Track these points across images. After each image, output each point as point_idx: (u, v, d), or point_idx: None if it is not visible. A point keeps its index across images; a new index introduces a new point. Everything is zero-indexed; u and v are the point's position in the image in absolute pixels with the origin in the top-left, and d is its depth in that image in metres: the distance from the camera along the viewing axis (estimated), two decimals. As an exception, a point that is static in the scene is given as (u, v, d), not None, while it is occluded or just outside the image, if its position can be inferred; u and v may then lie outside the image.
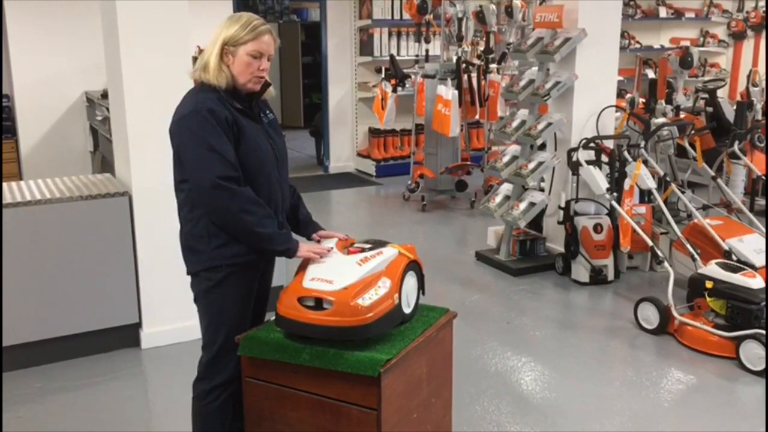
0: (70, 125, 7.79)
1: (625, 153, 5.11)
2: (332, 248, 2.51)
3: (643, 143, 5.18)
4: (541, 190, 5.64)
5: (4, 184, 4.10)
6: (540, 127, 5.27)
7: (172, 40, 3.87)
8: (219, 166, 2.32)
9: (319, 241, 2.65)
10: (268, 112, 2.60)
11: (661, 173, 5.32)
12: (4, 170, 7.34)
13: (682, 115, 6.14)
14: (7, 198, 3.76)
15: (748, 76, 7.25)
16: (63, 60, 7.53)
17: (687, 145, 5.69)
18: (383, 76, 7.69)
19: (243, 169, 2.38)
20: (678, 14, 10.18)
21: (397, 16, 8.72)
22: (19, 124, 7.56)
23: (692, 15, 10.20)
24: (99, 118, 6.94)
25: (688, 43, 8.94)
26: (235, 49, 2.39)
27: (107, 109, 5.60)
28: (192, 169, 2.37)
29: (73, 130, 7.81)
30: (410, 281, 2.50)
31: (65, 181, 4.21)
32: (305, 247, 2.47)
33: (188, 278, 2.55)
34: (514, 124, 5.54)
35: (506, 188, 5.58)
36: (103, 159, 7.48)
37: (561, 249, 5.34)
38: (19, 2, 7.28)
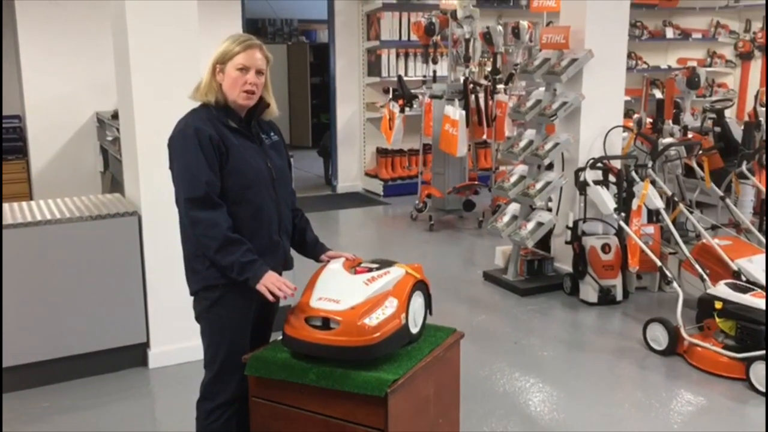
0: (80, 145, 7.84)
1: (633, 173, 5.10)
2: (296, 288, 2.45)
3: (650, 163, 5.18)
4: (549, 209, 5.63)
5: (15, 204, 4.14)
6: (547, 147, 5.28)
7: (182, 61, 3.91)
8: (189, 186, 2.37)
9: (328, 262, 2.67)
10: (272, 134, 2.63)
11: (669, 193, 5.31)
12: (15, 190, 7.40)
13: (690, 135, 6.14)
14: (17, 218, 3.79)
15: (756, 96, 7.26)
16: (74, 80, 7.60)
17: (695, 165, 5.69)
18: (391, 96, 7.73)
19: (230, 186, 2.42)
20: (685, 35, 10.22)
21: (404, 38, 8.78)
22: (30, 144, 7.62)
23: (699, 36, 10.23)
24: (109, 138, 6.99)
25: (695, 64, 8.95)
26: (224, 66, 2.44)
27: (117, 129, 5.64)
28: (174, 189, 2.45)
29: (83, 150, 7.86)
30: (417, 301, 2.50)
31: (75, 201, 4.23)
32: (268, 281, 2.37)
33: (195, 298, 2.57)
34: (522, 144, 5.55)
35: (514, 208, 5.58)
36: (112, 179, 7.52)
37: (569, 269, 5.32)
38: (31, 23, 7.37)
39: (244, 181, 2.44)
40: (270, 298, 2.38)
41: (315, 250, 2.74)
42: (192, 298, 2.56)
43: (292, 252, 2.72)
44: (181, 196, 2.39)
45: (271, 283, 2.37)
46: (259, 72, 2.45)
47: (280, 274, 2.64)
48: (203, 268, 2.46)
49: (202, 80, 2.50)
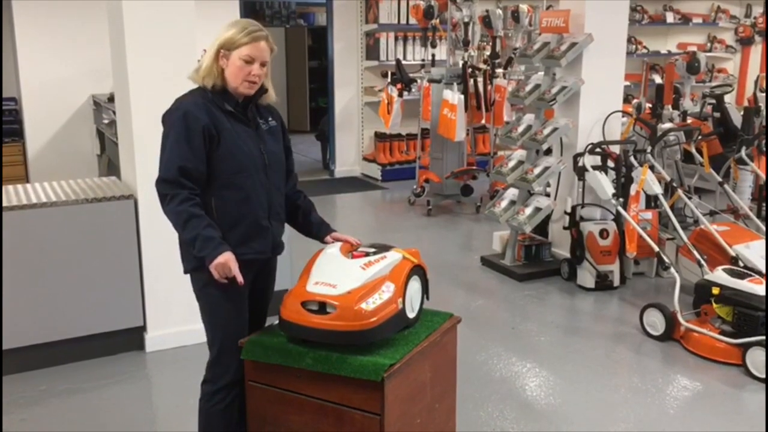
0: (77, 128, 7.82)
1: (632, 158, 5.09)
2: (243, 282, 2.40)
3: (649, 148, 5.17)
4: (547, 195, 5.62)
5: (11, 187, 4.12)
6: (546, 131, 5.26)
7: (178, 44, 3.88)
8: (164, 167, 2.38)
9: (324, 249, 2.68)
10: (270, 119, 2.61)
11: (668, 179, 5.30)
12: (12, 173, 7.37)
13: (689, 120, 6.12)
14: (13, 200, 3.77)
15: (756, 82, 7.23)
16: (70, 63, 7.57)
17: (694, 150, 5.67)
18: (389, 80, 7.70)
19: (221, 170, 2.41)
20: (685, 19, 10.16)
21: (403, 21, 8.73)
22: (26, 127, 7.59)
23: (699, 20, 10.18)
24: (105, 121, 6.96)
25: (695, 49, 8.90)
26: (229, 53, 2.42)
27: (114, 112, 5.62)
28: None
29: (80, 133, 7.84)
30: (414, 286, 2.50)
31: (71, 184, 4.21)
32: (220, 262, 2.31)
33: (192, 281, 2.57)
34: (520, 128, 5.53)
35: (512, 193, 5.57)
36: (109, 162, 7.51)
37: (566, 254, 5.32)
38: (27, 6, 7.32)
39: (235, 166, 2.42)
40: (220, 278, 2.35)
41: (320, 231, 2.74)
42: (187, 277, 2.56)
43: (296, 235, 2.70)
44: (159, 174, 2.40)
45: (219, 265, 2.32)
46: (263, 64, 2.44)
47: (269, 260, 2.63)
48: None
49: (202, 62, 2.46)
